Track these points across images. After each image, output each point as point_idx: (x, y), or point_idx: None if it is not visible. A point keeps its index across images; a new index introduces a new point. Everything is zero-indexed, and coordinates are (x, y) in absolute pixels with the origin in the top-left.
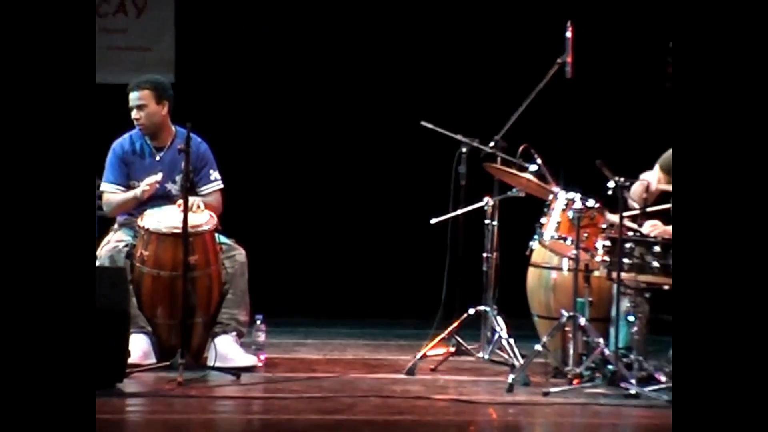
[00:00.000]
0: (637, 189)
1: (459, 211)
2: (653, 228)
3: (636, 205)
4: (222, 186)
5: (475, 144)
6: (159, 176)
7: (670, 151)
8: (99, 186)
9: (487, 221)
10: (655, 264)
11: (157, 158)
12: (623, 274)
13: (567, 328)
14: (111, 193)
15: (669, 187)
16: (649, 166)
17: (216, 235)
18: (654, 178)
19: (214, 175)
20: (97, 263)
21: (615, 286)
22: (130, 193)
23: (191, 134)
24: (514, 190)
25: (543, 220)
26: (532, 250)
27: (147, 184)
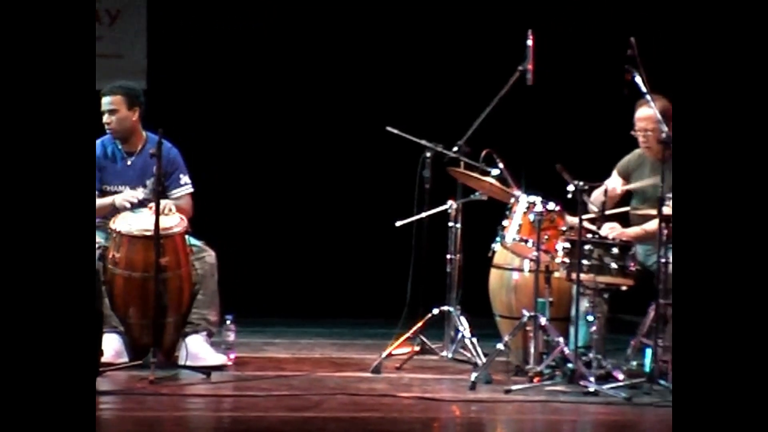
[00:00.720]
0: (596, 193)
1: (423, 214)
2: (611, 230)
3: (595, 209)
4: (192, 190)
5: (439, 149)
6: (140, 194)
7: (627, 157)
8: None
9: (450, 224)
10: (614, 265)
11: (129, 163)
12: (582, 276)
13: (528, 328)
14: None
15: (632, 186)
16: (608, 171)
17: (186, 237)
18: (612, 184)
19: (184, 179)
20: None
21: (574, 286)
22: (108, 200)
23: (162, 140)
24: (477, 193)
25: (505, 222)
26: (494, 252)
27: (127, 200)
